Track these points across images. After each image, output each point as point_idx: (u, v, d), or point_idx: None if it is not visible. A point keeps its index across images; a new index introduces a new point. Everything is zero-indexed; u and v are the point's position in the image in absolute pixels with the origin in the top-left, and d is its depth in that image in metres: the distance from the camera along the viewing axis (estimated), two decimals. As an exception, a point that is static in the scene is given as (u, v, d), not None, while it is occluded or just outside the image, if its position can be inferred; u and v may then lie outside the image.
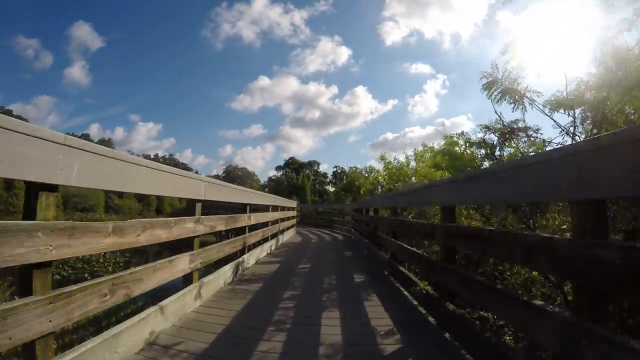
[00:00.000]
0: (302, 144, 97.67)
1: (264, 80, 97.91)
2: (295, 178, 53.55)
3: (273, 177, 63.08)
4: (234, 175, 62.16)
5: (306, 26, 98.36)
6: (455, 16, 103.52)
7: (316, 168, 65.39)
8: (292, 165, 64.33)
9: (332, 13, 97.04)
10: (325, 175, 64.80)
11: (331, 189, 53.34)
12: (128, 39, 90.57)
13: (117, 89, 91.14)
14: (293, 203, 11.79)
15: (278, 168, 67.85)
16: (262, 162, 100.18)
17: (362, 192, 11.22)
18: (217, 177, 62.17)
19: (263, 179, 63.97)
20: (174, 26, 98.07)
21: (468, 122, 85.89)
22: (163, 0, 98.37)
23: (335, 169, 65.29)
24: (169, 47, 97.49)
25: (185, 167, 58.41)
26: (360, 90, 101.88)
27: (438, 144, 6.76)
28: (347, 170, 54.45)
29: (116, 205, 44.79)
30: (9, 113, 45.22)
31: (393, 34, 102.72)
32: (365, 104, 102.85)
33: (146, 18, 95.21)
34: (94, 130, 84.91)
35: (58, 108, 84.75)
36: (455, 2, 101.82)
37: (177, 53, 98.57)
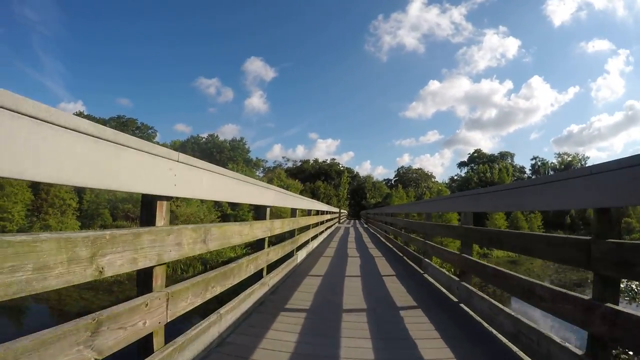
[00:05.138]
0: (481, 147, 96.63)
1: (434, 85, 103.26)
2: (487, 172, 48.17)
3: (455, 177, 59.14)
4: (408, 178, 61.55)
5: (467, 22, 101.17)
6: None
7: (509, 161, 57.09)
8: (479, 160, 58.41)
9: (491, 3, 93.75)
10: (522, 169, 55.66)
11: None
12: (297, 66, 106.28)
13: (293, 111, 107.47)
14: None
15: (461, 164, 63.19)
16: (441, 168, 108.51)
17: None
18: (388, 180, 63.49)
19: (442, 182, 60.76)
20: (337, 46, 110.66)
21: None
22: (321, 22, 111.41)
23: (534, 161, 55.23)
24: (336, 67, 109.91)
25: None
26: (537, 81, 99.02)
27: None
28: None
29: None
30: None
31: (560, 12, 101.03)
32: (543, 95, 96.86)
33: (311, 42, 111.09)
34: (277, 150, 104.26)
35: (242, 134, 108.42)
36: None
37: (344, 71, 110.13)
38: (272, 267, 4.25)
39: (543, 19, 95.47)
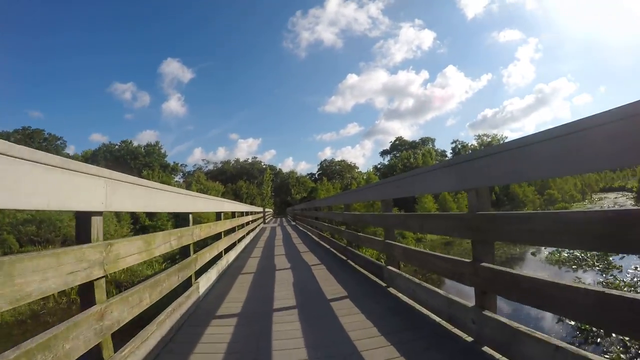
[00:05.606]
0: (400, 135, 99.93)
1: (352, 78, 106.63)
2: (411, 157, 49.77)
3: (378, 166, 60.59)
4: (332, 171, 61.29)
5: (384, 16, 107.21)
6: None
7: (431, 146, 60.33)
8: (401, 147, 60.71)
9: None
10: (443, 153, 59.18)
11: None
12: (215, 66, 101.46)
13: (213, 112, 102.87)
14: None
15: (384, 153, 65.29)
16: (362, 159, 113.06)
17: None
18: (312, 175, 62.82)
19: (366, 171, 61.99)
20: (255, 44, 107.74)
21: (569, 83, 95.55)
22: (239, 18, 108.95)
23: (454, 144, 59.30)
24: (254, 65, 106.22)
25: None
26: (451, 70, 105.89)
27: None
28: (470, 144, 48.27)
29: None
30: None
31: (472, 4, 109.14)
32: (458, 84, 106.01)
33: (228, 41, 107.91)
34: (197, 154, 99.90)
35: (161, 139, 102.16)
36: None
37: (263, 69, 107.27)
38: (141, 322, 2.16)
39: (457, 11, 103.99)
